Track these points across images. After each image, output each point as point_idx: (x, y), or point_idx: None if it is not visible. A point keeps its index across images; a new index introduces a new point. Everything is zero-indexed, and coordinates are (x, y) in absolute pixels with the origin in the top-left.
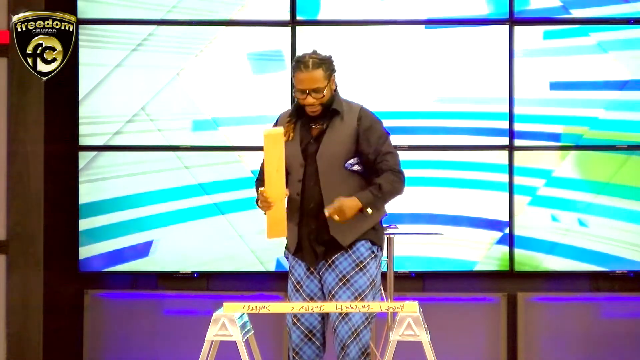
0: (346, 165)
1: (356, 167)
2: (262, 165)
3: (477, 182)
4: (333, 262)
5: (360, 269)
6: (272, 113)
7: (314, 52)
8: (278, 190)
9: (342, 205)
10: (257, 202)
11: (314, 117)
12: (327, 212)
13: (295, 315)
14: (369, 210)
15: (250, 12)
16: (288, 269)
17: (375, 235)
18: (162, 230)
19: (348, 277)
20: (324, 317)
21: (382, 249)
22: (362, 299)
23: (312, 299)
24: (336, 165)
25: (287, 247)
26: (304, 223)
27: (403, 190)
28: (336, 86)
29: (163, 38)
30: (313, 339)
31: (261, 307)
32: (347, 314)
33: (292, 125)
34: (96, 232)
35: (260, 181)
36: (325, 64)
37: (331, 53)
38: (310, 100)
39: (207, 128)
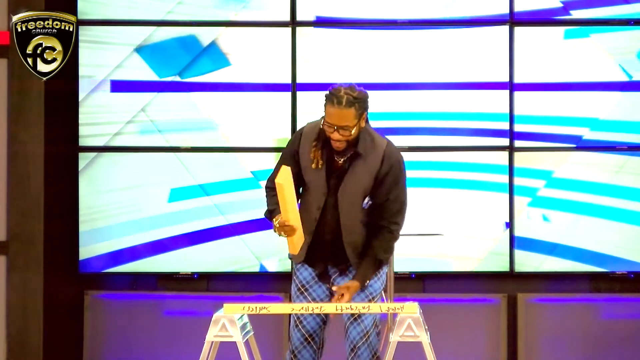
0: (363, 205)
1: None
2: (270, 181)
3: (477, 183)
4: (346, 267)
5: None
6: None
7: (351, 87)
8: (295, 214)
9: (349, 296)
10: (275, 229)
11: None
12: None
13: (298, 318)
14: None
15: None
16: (292, 272)
17: None
18: (162, 231)
19: None
20: (325, 321)
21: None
22: (374, 302)
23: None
24: (356, 204)
25: (292, 256)
26: (318, 248)
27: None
28: (366, 121)
29: (163, 39)
30: (312, 343)
31: (261, 308)
32: (359, 316)
33: (320, 152)
34: (96, 233)
35: (270, 212)
36: (359, 102)
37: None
38: (337, 136)
39: (207, 129)
